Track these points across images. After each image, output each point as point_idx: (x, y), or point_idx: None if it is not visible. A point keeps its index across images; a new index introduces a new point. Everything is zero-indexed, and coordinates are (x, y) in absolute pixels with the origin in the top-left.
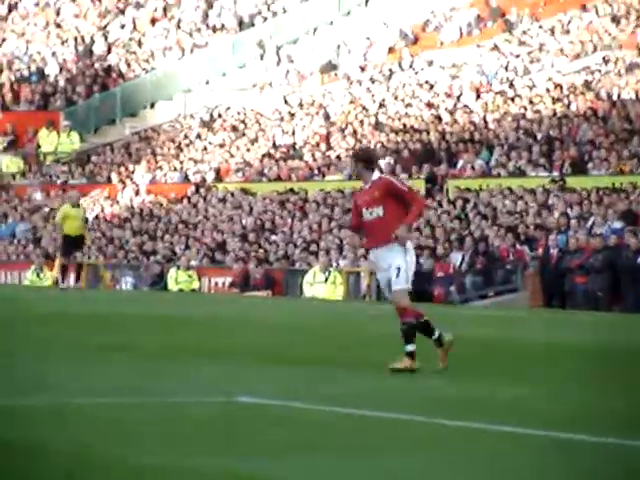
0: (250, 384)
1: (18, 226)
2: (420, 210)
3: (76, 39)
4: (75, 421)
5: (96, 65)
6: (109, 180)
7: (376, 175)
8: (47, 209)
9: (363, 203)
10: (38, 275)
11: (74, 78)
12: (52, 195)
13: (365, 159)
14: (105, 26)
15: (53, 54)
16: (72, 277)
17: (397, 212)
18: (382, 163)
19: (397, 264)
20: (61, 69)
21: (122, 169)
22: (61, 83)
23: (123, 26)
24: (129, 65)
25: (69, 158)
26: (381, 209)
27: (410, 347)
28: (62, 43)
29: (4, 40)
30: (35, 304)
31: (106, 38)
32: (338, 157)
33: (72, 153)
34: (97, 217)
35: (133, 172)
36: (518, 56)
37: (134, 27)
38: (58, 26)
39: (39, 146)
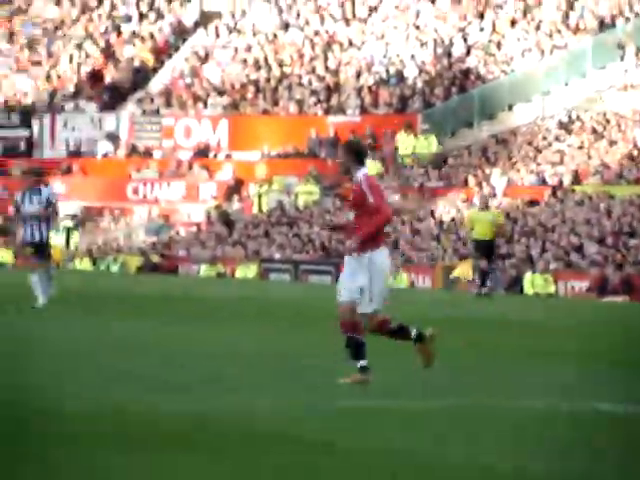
0: (601, 390)
1: None
2: (379, 224)
3: (435, 41)
4: (385, 422)
5: (454, 67)
6: (465, 183)
7: (361, 173)
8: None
9: (345, 202)
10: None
11: (432, 80)
12: (409, 197)
13: (356, 151)
14: (464, 28)
15: (412, 56)
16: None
17: (363, 220)
18: None
19: (360, 283)
20: (420, 71)
21: (479, 172)
22: (419, 85)
23: (482, 28)
24: (487, 67)
25: (427, 161)
26: (351, 213)
27: (362, 362)
28: (421, 45)
29: (363, 43)
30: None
31: (465, 40)
32: None
33: (430, 156)
34: (453, 219)
35: (489, 175)
36: None
37: (493, 29)
38: (417, 28)
39: (396, 149)
